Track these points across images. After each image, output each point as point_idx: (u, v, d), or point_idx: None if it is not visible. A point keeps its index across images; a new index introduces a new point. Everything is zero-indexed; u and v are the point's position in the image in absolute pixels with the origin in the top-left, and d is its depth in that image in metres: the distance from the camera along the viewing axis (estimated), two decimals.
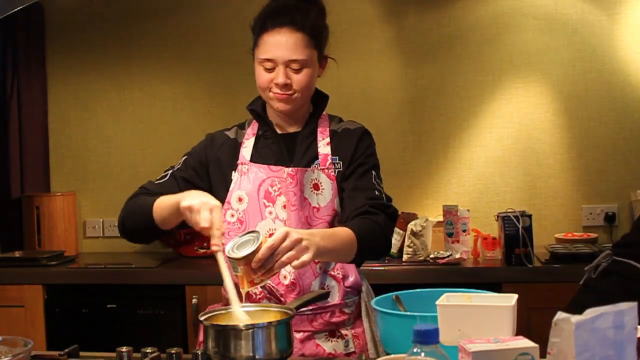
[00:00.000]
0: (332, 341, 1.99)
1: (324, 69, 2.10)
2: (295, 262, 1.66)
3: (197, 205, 1.76)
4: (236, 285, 1.73)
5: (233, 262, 1.67)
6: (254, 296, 1.99)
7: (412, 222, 3.35)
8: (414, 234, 3.33)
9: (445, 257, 3.26)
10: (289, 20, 1.97)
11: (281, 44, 1.96)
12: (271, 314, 1.74)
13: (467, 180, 3.74)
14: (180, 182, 2.07)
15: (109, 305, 3.40)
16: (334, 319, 2.00)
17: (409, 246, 3.33)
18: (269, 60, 1.97)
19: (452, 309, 1.54)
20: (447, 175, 3.81)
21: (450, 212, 3.44)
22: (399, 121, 3.84)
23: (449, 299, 1.62)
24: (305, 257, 1.66)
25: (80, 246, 4.08)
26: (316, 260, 1.95)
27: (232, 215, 2.03)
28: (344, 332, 2.01)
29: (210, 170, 2.09)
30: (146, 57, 4.06)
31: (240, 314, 1.70)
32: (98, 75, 4.10)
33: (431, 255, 3.33)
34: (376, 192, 2.02)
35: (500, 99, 3.76)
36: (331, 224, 2.00)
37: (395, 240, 3.43)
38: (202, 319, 1.69)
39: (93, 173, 4.12)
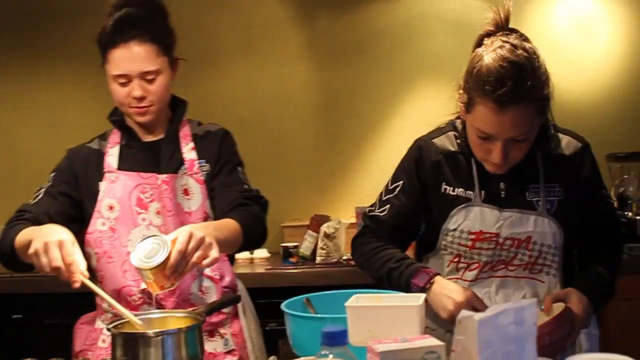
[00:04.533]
0: (211, 341, 2.02)
1: (176, 72, 2.10)
2: (206, 261, 1.68)
3: (41, 248, 1.67)
4: (145, 291, 1.70)
5: (142, 271, 1.65)
6: (132, 303, 1.99)
7: (325, 225, 3.37)
8: (327, 236, 3.34)
9: None
10: (136, 32, 1.97)
11: (132, 58, 1.96)
12: (180, 320, 1.72)
13: (379, 182, 3.71)
14: (57, 196, 2.04)
15: (14, 316, 3.30)
16: (213, 319, 2.02)
17: (322, 248, 3.34)
18: (122, 75, 1.98)
19: (361, 310, 1.55)
20: (360, 177, 3.84)
21: (363, 213, 3.46)
22: (311, 123, 3.86)
23: (359, 300, 1.63)
24: (214, 252, 1.69)
25: None
26: None
27: (103, 224, 2.02)
28: (222, 331, 2.05)
29: (79, 182, 2.08)
30: (54, 59, 3.95)
31: (136, 321, 1.67)
32: (3, 76, 3.97)
33: (344, 257, 3.35)
34: (245, 186, 2.07)
35: (412, 101, 3.83)
36: None
37: (309, 242, 3.44)
38: (110, 326, 1.65)
39: None
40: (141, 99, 1.99)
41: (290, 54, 3.87)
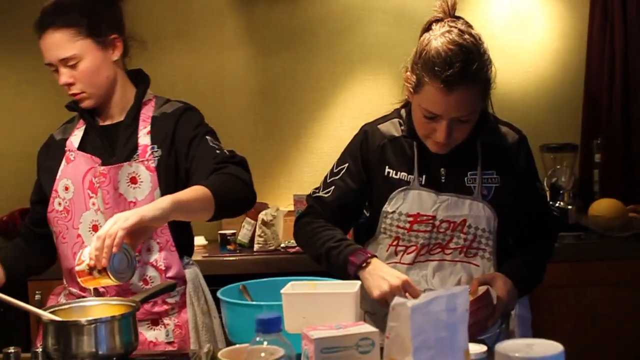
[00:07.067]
0: (154, 329, 2.02)
1: (120, 49, 2.08)
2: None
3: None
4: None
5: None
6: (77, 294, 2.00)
7: (263, 212, 3.37)
8: (264, 223, 3.34)
9: (296, 246, 3.29)
10: (49, 21, 1.97)
11: (49, 46, 1.97)
12: (114, 308, 1.70)
13: (318, 170, 3.79)
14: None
15: None
16: (156, 309, 2.02)
17: (260, 236, 3.34)
18: (49, 65, 2.00)
19: (296, 297, 1.56)
20: (299, 164, 3.85)
21: (300, 201, 3.47)
22: (250, 111, 3.84)
23: (294, 287, 1.64)
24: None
25: None
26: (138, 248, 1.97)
27: (60, 204, 2.03)
28: (166, 321, 2.04)
29: (40, 176, 2.12)
30: (13, 44, 3.81)
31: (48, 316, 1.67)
32: None
33: (282, 245, 3.36)
34: (217, 152, 2.02)
35: (351, 90, 3.84)
36: None
37: (247, 230, 3.43)
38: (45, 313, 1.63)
39: None
40: (70, 85, 1.98)
41: (229, 41, 3.84)
